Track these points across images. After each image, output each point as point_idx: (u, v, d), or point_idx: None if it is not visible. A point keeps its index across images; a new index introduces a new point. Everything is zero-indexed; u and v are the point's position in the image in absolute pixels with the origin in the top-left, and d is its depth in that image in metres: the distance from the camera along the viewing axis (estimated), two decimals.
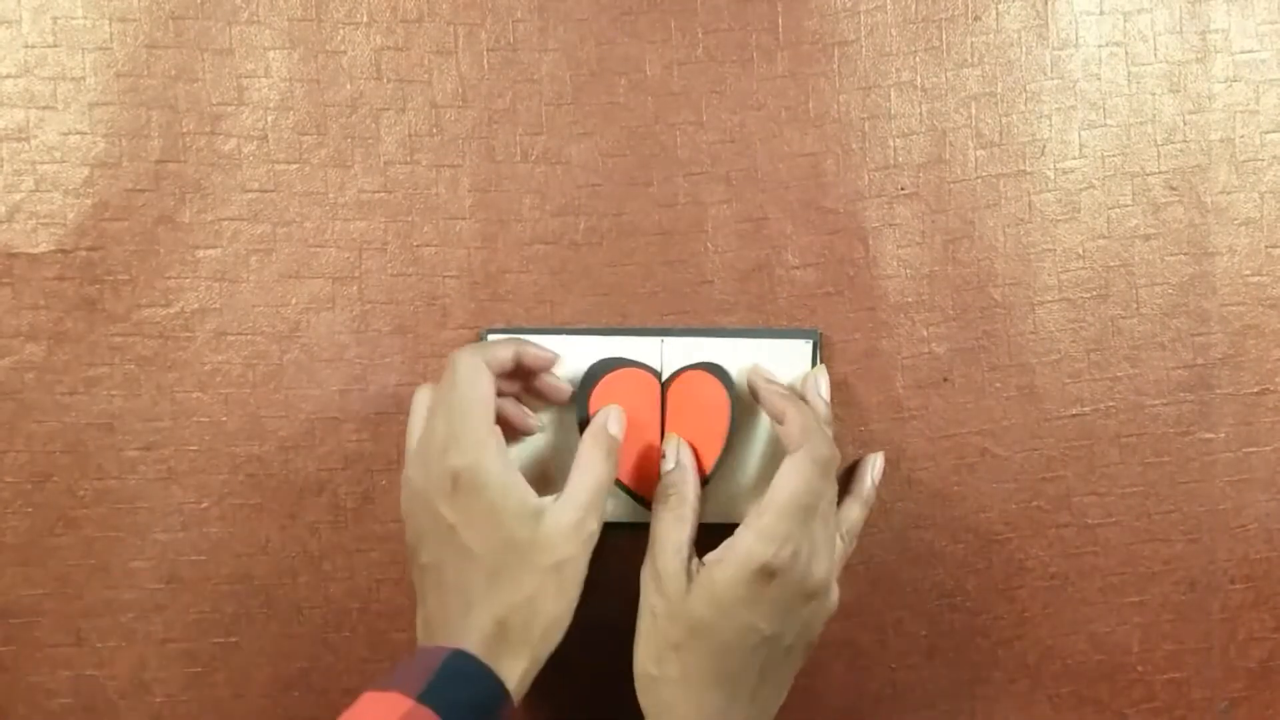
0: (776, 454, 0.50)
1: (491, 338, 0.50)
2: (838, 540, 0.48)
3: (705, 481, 0.49)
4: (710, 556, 0.45)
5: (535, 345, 0.49)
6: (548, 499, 0.44)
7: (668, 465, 0.48)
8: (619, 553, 0.50)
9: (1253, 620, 0.53)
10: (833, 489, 0.46)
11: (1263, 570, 0.53)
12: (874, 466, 0.50)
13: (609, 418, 0.48)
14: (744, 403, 0.50)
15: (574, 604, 0.44)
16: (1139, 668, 0.53)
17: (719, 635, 0.43)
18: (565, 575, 0.44)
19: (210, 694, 0.51)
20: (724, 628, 0.43)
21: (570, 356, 0.50)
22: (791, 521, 0.44)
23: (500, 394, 0.47)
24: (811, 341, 0.50)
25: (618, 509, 0.51)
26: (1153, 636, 0.53)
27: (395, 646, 0.51)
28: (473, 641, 0.42)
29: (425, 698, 0.39)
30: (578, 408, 0.49)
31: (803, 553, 0.43)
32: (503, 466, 0.43)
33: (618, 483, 0.50)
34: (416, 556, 0.45)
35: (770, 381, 0.49)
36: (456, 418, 0.44)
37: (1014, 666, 0.53)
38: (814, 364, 0.51)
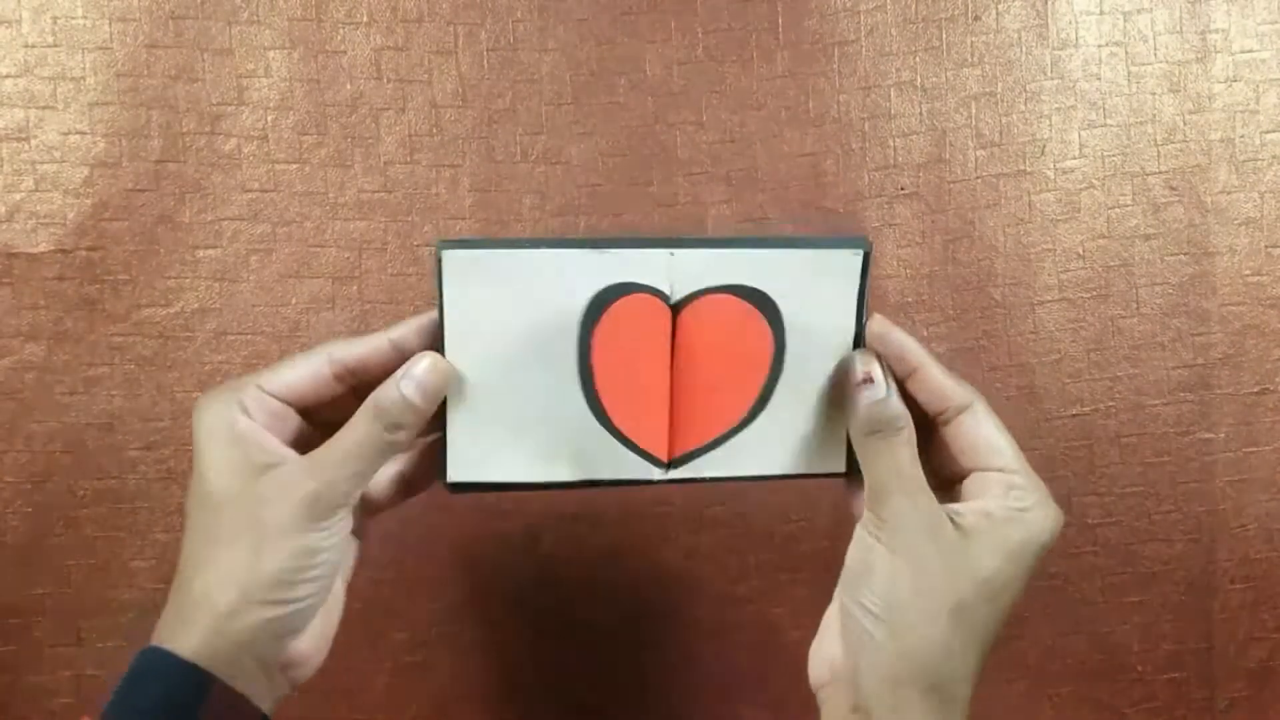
0: (824, 405, 0.40)
1: (447, 253, 0.37)
2: None
3: (730, 435, 0.40)
4: (986, 511, 0.38)
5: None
6: (290, 458, 0.37)
7: (878, 393, 0.38)
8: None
9: (1253, 620, 0.53)
10: None
11: (1263, 570, 0.53)
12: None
13: (408, 370, 0.37)
14: (792, 342, 0.40)
15: (282, 573, 0.35)
16: (1139, 668, 0.53)
17: (999, 600, 0.37)
18: (265, 536, 0.35)
19: None
20: (1004, 594, 0.37)
21: (562, 277, 0.38)
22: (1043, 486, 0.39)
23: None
24: (862, 252, 0.39)
25: (613, 466, 0.40)
26: (1153, 636, 0.53)
27: (395, 646, 0.51)
28: (165, 620, 0.36)
29: (110, 709, 0.34)
30: (578, 347, 0.39)
31: None
32: (220, 420, 0.36)
33: (614, 432, 0.40)
34: None
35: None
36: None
37: (1014, 666, 0.53)
38: (863, 279, 0.39)
